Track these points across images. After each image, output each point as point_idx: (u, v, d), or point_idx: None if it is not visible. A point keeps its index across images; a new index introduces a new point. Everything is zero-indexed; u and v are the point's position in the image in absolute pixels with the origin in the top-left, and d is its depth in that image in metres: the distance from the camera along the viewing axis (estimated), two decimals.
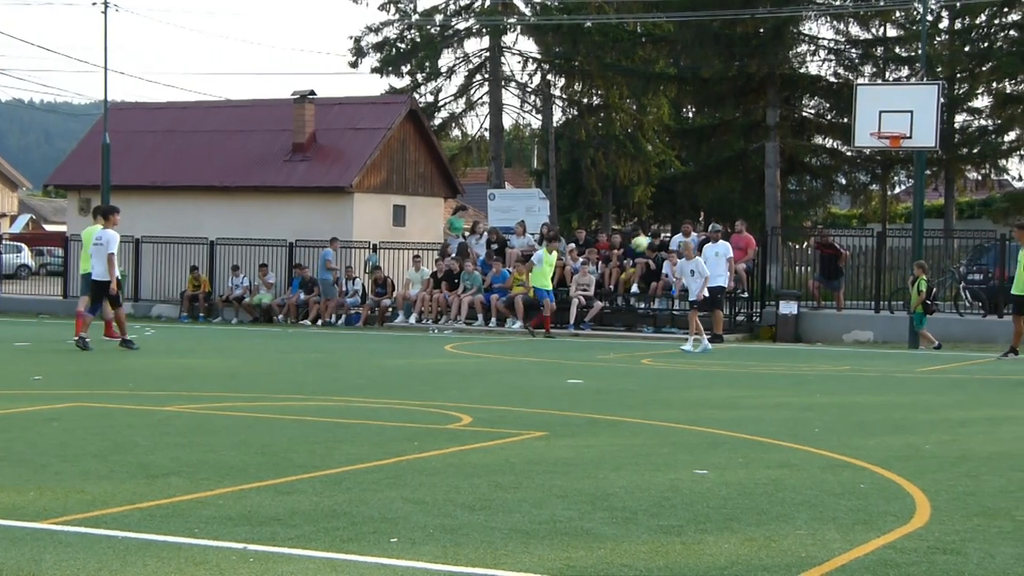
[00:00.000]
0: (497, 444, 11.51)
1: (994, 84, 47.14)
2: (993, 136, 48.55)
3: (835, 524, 8.06)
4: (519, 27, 50.02)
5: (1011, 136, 48.65)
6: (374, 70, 49.21)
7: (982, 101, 49.04)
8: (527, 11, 50.64)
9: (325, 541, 7.37)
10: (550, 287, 30.70)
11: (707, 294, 26.39)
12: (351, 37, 50.25)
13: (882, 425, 13.51)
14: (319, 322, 33.65)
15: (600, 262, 32.35)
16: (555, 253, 31.11)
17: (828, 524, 8.06)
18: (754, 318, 31.49)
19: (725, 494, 9.07)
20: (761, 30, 42.94)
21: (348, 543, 7.34)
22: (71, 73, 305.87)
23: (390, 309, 33.66)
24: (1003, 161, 50.45)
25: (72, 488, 8.97)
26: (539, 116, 54.87)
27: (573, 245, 33.73)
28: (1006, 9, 45.59)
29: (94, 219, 24.61)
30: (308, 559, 6.96)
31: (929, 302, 27.70)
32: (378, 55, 49.10)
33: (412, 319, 32.78)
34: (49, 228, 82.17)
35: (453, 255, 34.21)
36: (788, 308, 30.27)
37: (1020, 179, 54.65)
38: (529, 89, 52.66)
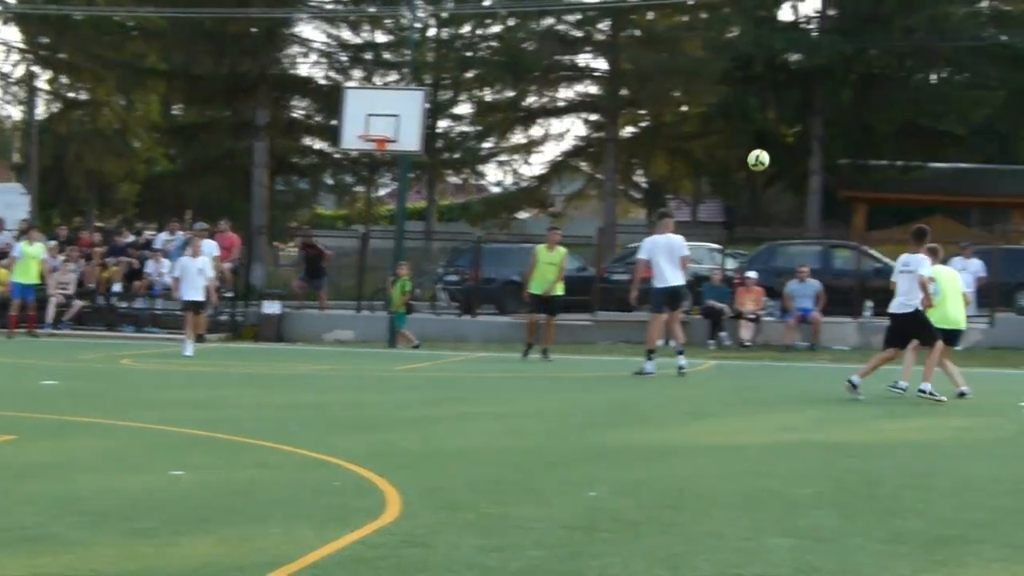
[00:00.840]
0: None
1: (476, 92, 49.03)
2: (473, 142, 50.49)
3: (309, 522, 8.14)
4: (2, 16, 47.89)
5: (490, 143, 50.74)
6: None
7: (464, 108, 50.96)
8: None
9: None
10: (36, 283, 29.50)
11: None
12: None
13: (359, 423, 13.78)
14: None
15: (82, 260, 31.47)
16: (38, 245, 29.93)
17: (303, 522, 8.13)
18: (238, 318, 31.45)
19: (201, 495, 9.02)
20: (254, 30, 42.90)
21: None
22: None
23: None
24: (482, 166, 52.59)
25: None
26: (22, 108, 52.76)
27: (54, 242, 32.66)
28: (488, 21, 47.51)
29: None
30: None
31: (411, 302, 28.54)
32: None
33: None
34: None
35: None
36: (271, 308, 30.40)
37: (498, 184, 56.90)
38: (11, 80, 50.51)
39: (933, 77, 51.11)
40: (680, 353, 20.58)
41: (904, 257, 16.83)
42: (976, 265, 29.33)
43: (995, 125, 53.19)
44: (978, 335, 29.15)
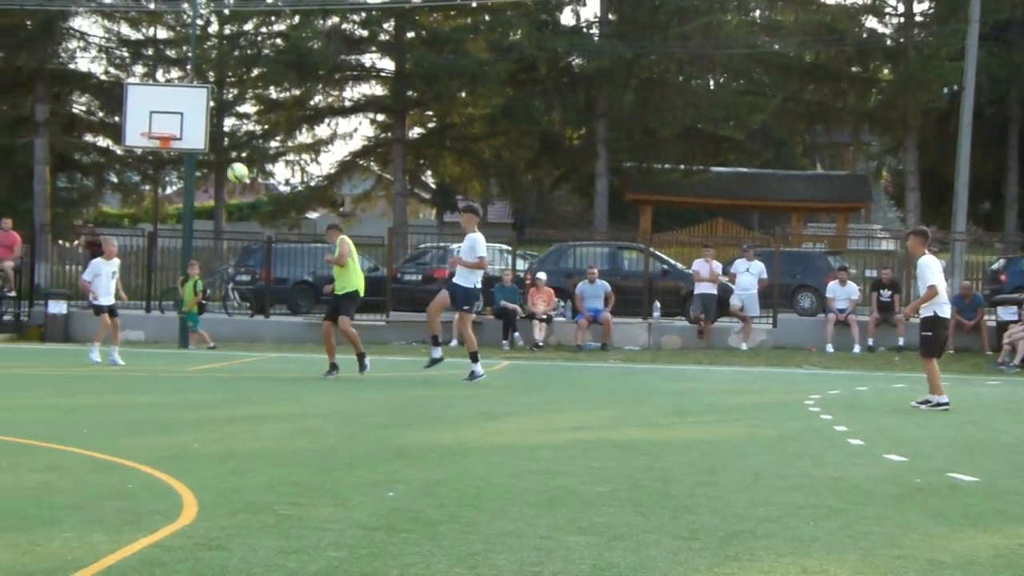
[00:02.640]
0: None
1: (261, 90, 48.66)
2: (260, 140, 50.08)
3: (103, 526, 8.02)
4: None
5: (277, 141, 50.40)
6: None
7: (251, 106, 50.51)
8: None
9: None
10: None
11: None
12: None
13: (151, 424, 13.58)
14: None
15: None
16: None
17: (96, 526, 8.01)
18: (22, 317, 30.70)
19: None
20: (29, 23, 41.88)
21: None
22: None
23: None
24: (270, 165, 52.22)
25: None
26: None
27: None
28: (272, 19, 47.18)
29: None
30: None
31: (203, 302, 28.21)
32: None
33: None
34: None
35: None
36: (57, 307, 29.74)
37: (287, 183, 56.50)
38: None
39: (711, 83, 52.38)
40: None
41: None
42: (759, 267, 30.16)
43: (772, 131, 54.82)
44: (763, 335, 29.99)
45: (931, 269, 16.32)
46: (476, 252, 19.75)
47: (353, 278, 20.21)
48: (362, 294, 20.45)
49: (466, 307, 19.77)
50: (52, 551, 7.32)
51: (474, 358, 19.75)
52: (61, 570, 6.86)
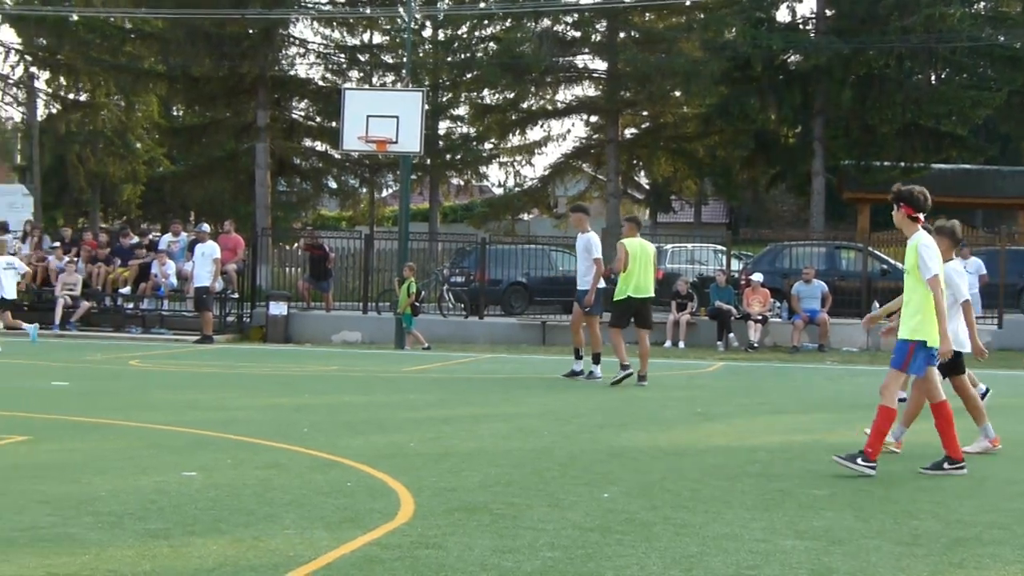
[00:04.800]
0: None
1: (474, 94, 49.06)
2: (474, 143, 50.50)
3: (323, 523, 8.18)
4: (0, 16, 47.95)
5: (490, 144, 50.76)
6: None
7: (464, 109, 50.98)
8: (8, 1, 48.63)
9: None
10: None
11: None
12: None
13: (368, 424, 13.78)
14: None
15: (87, 261, 31.49)
16: None
17: (316, 523, 8.16)
18: (244, 319, 31.46)
19: (213, 496, 9.05)
20: (251, 31, 42.93)
21: None
22: None
23: None
24: (483, 168, 52.63)
25: None
26: (22, 109, 52.79)
27: (59, 243, 32.70)
28: (486, 22, 47.54)
29: None
30: None
31: (417, 304, 28.54)
32: None
33: None
34: None
35: None
36: (278, 309, 30.38)
37: (500, 186, 56.93)
38: (11, 81, 50.54)
39: (932, 78, 51.07)
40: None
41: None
42: (976, 264, 29.30)
43: (997, 126, 53.26)
44: (987, 336, 29.15)
45: None
46: (592, 253, 19.72)
47: (622, 283, 19.75)
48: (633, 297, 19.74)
49: (587, 309, 19.74)
50: (274, 547, 7.47)
51: (595, 359, 19.76)
52: (283, 566, 7.00)
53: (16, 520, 8.00)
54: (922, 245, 10.68)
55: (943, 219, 12.45)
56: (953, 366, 11.90)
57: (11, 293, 26.23)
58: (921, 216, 10.81)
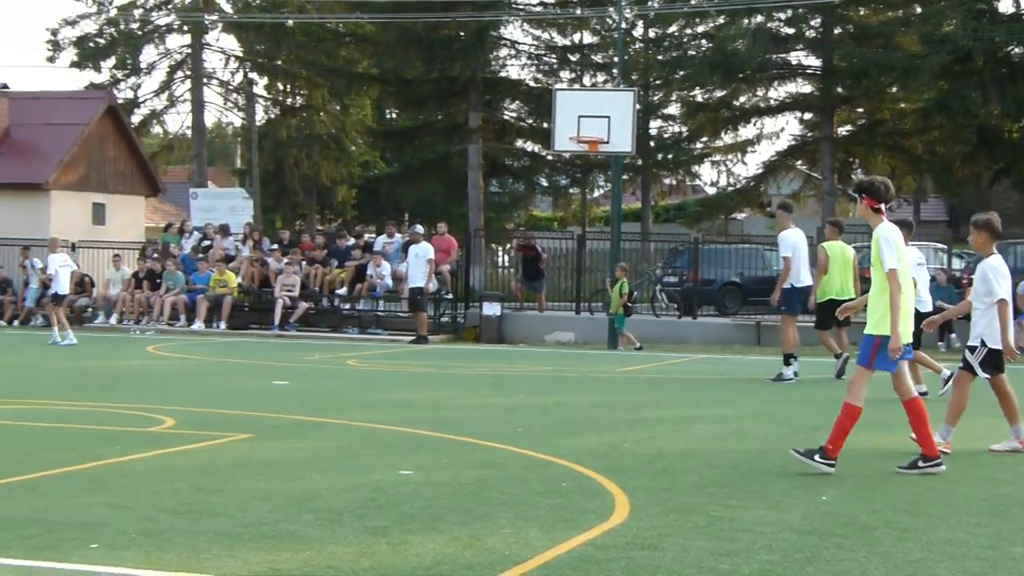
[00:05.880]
0: (201, 447, 11.36)
1: (685, 92, 48.74)
2: (686, 143, 50.19)
3: (538, 522, 8.19)
4: (220, 24, 49.32)
5: (701, 143, 50.40)
6: (72, 64, 47.79)
7: (675, 108, 50.72)
8: (228, 8, 49.97)
9: (21, 549, 7.15)
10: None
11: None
12: (48, 30, 48.85)
13: (582, 424, 13.79)
14: (15, 323, 32.63)
15: (304, 263, 32.16)
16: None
17: (531, 522, 8.19)
18: (458, 319, 31.76)
19: (430, 494, 9.14)
20: (462, 34, 43.35)
21: (45, 550, 7.14)
22: None
23: (89, 309, 32.83)
24: (695, 167, 52.25)
25: None
26: (242, 114, 54.24)
27: (277, 245, 33.46)
28: (696, 20, 47.22)
29: None
30: (3, 568, 6.74)
31: (629, 304, 28.45)
32: (76, 49, 47.66)
33: (112, 320, 32.03)
34: None
35: (154, 255, 33.58)
36: (491, 309, 30.60)
37: (712, 185, 56.46)
38: (231, 87, 51.97)
39: None
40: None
41: None
42: None
43: None
44: None
45: None
46: (780, 252, 19.76)
47: (824, 286, 19.38)
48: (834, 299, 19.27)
49: (783, 307, 19.74)
50: (490, 546, 7.51)
51: (786, 360, 19.38)
52: (499, 564, 7.03)
53: (240, 517, 8.19)
54: (882, 238, 10.31)
55: (982, 212, 11.98)
56: (994, 364, 11.45)
57: (65, 289, 27.34)
58: (883, 207, 10.44)
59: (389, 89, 47.41)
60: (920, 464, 10.45)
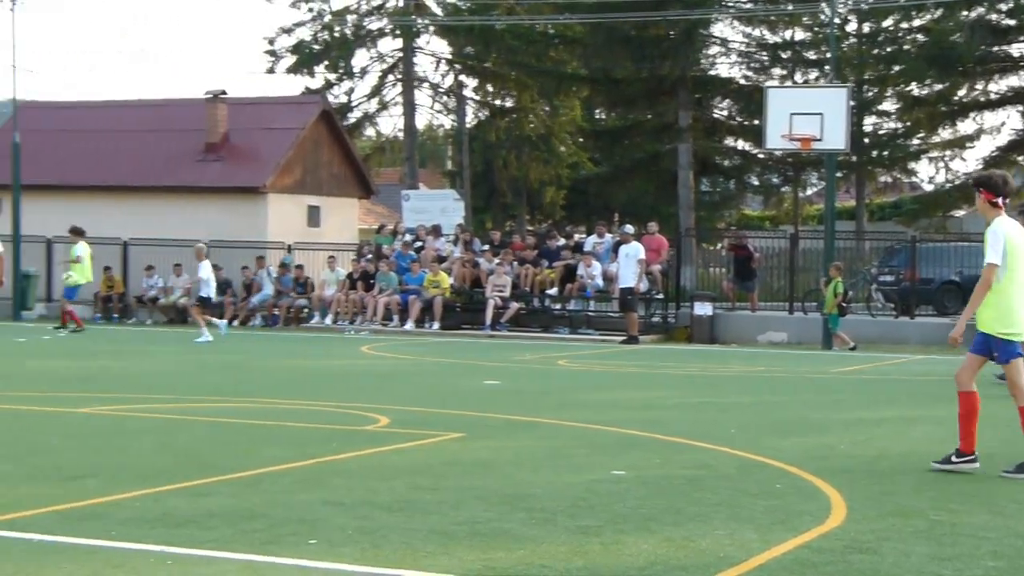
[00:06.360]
0: (415, 445, 11.49)
1: (901, 87, 47.76)
2: (902, 139, 49.19)
3: (752, 524, 8.09)
4: (431, 28, 49.94)
5: (918, 139, 49.31)
6: (288, 70, 48.93)
7: (890, 104, 49.69)
8: (439, 11, 50.55)
9: (243, 543, 7.31)
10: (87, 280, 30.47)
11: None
12: (265, 39, 50.08)
13: (797, 425, 13.61)
14: (234, 323, 33.53)
15: (515, 263, 32.35)
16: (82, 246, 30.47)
17: (745, 524, 8.09)
18: (669, 319, 31.62)
19: (642, 494, 9.10)
20: (672, 33, 43.15)
21: (266, 545, 7.29)
22: None
23: (305, 310, 33.56)
24: (912, 163, 51.16)
25: None
26: (452, 117, 54.85)
27: (488, 246, 33.73)
28: (913, 13, 46.21)
29: None
30: (226, 561, 6.90)
31: (844, 304, 27.98)
32: (292, 56, 48.79)
33: (328, 320, 32.66)
34: None
35: (368, 256, 34.16)
36: (703, 309, 30.40)
37: (929, 181, 55.21)
38: (442, 90, 52.60)
39: None
40: None
41: None
42: None
43: None
44: None
45: None
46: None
47: None
48: None
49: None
50: (704, 547, 7.45)
51: None
52: (714, 566, 6.96)
53: (454, 515, 8.24)
54: (990, 231, 10.17)
55: None
56: None
57: (214, 294, 29.11)
58: (1001, 201, 10.12)
59: (598, 89, 47.45)
60: (954, 460, 10.39)
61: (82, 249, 29.71)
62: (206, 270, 28.06)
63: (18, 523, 7.79)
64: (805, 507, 8.71)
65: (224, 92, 38.95)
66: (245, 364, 21.72)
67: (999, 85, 46.91)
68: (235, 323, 33.50)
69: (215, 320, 28.29)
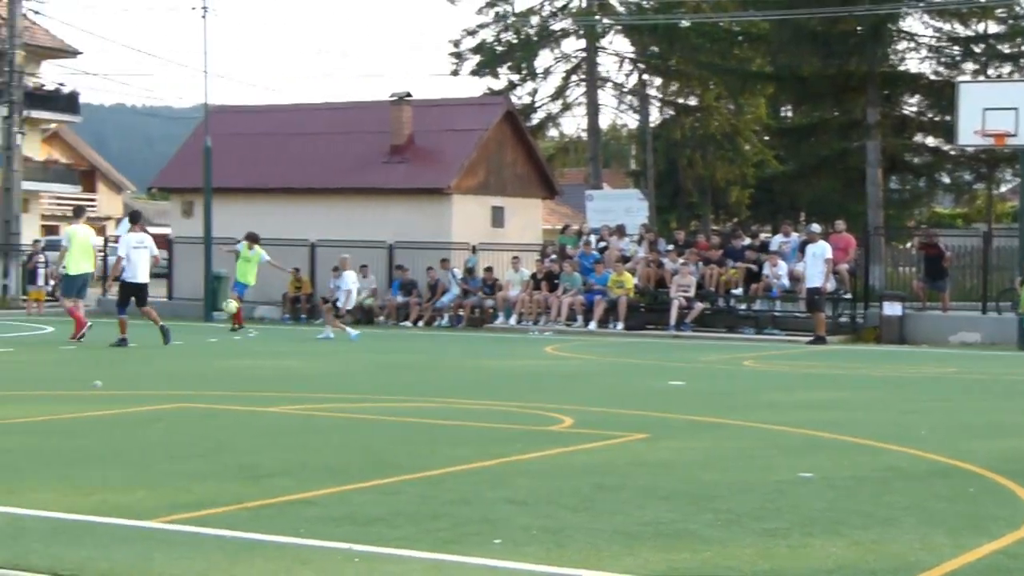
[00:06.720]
0: (599, 446, 11.48)
1: None
2: None
3: (944, 528, 7.92)
4: (615, 27, 49.95)
5: None
6: (472, 72, 49.37)
7: None
8: (622, 11, 50.54)
9: (429, 542, 7.37)
10: (251, 282, 30.95)
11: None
12: (451, 41, 50.62)
13: (990, 428, 13.31)
14: (419, 323, 33.89)
15: (700, 263, 32.15)
16: (257, 249, 30.93)
17: (937, 528, 7.92)
18: (857, 319, 31.11)
19: (830, 497, 8.96)
20: (859, 28, 42.52)
21: (451, 544, 7.34)
22: (171, 77, 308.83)
23: (491, 310, 33.79)
24: None
25: (179, 488, 9.05)
26: (636, 116, 54.81)
27: (672, 246, 33.59)
28: None
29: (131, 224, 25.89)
30: (413, 560, 6.96)
31: None
32: (476, 58, 49.22)
33: (512, 320, 32.83)
34: (152, 230, 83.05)
35: (552, 256, 34.27)
36: (892, 309, 29.88)
37: None
38: (625, 89, 52.59)
39: None
40: None
41: None
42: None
43: None
44: None
45: None
46: None
47: None
48: None
49: None
50: (894, 551, 7.31)
51: None
52: (904, 570, 6.83)
53: (638, 515, 8.21)
54: None
55: None
56: None
57: (351, 304, 29.42)
58: None
59: (784, 87, 47.00)
60: None
61: (252, 252, 30.82)
62: (349, 280, 28.54)
63: (210, 520, 7.96)
64: (999, 512, 8.49)
65: (409, 94, 39.39)
66: (429, 364, 21.92)
67: None
68: (420, 323, 33.85)
69: (347, 328, 28.42)
